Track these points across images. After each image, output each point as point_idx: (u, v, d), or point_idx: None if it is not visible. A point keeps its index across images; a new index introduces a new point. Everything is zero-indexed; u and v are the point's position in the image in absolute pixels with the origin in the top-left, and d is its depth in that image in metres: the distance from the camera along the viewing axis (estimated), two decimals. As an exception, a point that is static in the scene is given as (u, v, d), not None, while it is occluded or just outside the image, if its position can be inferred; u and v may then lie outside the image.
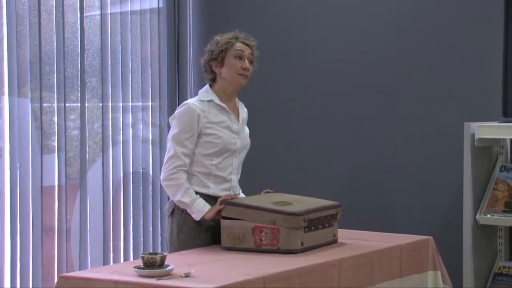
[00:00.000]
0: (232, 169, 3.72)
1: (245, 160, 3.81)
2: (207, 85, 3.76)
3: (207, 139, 3.64)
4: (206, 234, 3.65)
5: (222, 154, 3.67)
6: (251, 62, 3.72)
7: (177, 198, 3.60)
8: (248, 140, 3.81)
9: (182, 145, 3.61)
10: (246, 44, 3.72)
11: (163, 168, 3.65)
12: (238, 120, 3.75)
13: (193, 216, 3.59)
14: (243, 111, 3.83)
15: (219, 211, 3.54)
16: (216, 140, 3.64)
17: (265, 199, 3.59)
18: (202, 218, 3.58)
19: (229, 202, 3.54)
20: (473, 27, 4.56)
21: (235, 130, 3.71)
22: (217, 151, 3.65)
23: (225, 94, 3.72)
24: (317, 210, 3.52)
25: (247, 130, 3.83)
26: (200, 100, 3.69)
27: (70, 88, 4.61)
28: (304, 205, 3.53)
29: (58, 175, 4.51)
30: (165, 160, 3.65)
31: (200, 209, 3.58)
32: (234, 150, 3.70)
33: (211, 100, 3.69)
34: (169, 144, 3.66)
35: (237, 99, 3.82)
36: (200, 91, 3.76)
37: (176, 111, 3.69)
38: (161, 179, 3.66)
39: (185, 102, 3.72)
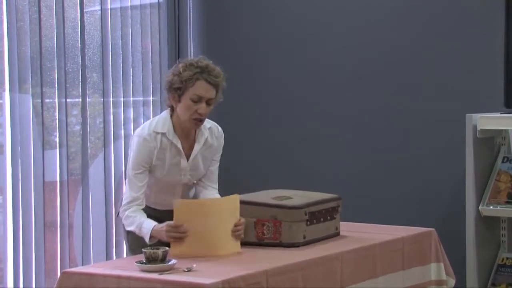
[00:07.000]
0: (182, 190, 3.54)
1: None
2: (167, 111, 3.45)
3: (152, 170, 3.44)
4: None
5: (164, 186, 3.51)
6: (209, 104, 3.35)
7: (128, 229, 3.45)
8: (201, 170, 3.53)
9: (135, 178, 3.40)
10: (210, 83, 3.33)
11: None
12: (190, 157, 3.47)
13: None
14: (201, 140, 3.47)
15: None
16: (160, 176, 3.44)
17: (265, 195, 3.58)
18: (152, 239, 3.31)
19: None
20: (475, 18, 4.55)
21: (183, 167, 3.47)
22: (159, 185, 3.49)
23: (182, 128, 3.43)
24: (318, 203, 3.52)
25: (202, 159, 3.52)
26: (154, 132, 3.40)
27: (71, 84, 4.61)
28: (304, 198, 3.52)
29: (60, 171, 4.51)
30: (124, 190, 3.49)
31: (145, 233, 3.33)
32: (179, 182, 3.52)
33: (165, 134, 3.40)
34: (127, 174, 3.45)
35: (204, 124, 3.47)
36: (159, 118, 3.47)
37: (133, 142, 3.45)
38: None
39: (139, 133, 3.43)
